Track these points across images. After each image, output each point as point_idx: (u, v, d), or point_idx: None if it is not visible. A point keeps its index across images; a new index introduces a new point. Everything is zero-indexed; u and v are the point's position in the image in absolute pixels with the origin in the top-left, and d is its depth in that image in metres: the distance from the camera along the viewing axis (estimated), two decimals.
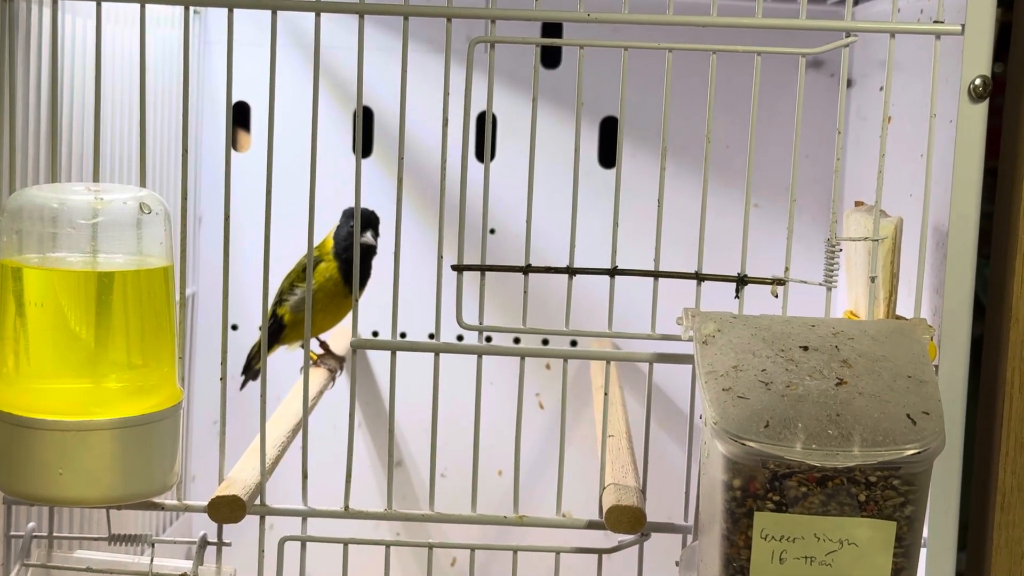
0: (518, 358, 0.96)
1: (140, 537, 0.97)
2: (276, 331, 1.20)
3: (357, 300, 0.96)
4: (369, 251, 1.18)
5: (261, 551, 0.96)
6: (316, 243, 1.21)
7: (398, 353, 0.96)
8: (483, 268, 0.94)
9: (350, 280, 1.18)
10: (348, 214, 1.19)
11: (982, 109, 0.87)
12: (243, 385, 1.26)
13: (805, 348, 0.83)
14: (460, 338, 1.27)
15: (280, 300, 1.20)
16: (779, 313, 0.91)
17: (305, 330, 0.96)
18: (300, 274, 1.20)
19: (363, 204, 0.95)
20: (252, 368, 1.26)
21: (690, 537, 0.96)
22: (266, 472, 0.96)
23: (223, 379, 0.95)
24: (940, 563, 0.90)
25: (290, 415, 1.08)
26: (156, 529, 1.31)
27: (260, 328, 1.18)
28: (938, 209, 0.93)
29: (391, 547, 0.99)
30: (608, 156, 1.39)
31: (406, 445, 1.43)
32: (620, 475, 0.96)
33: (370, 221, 1.17)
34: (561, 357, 0.97)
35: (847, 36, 0.90)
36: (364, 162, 1.37)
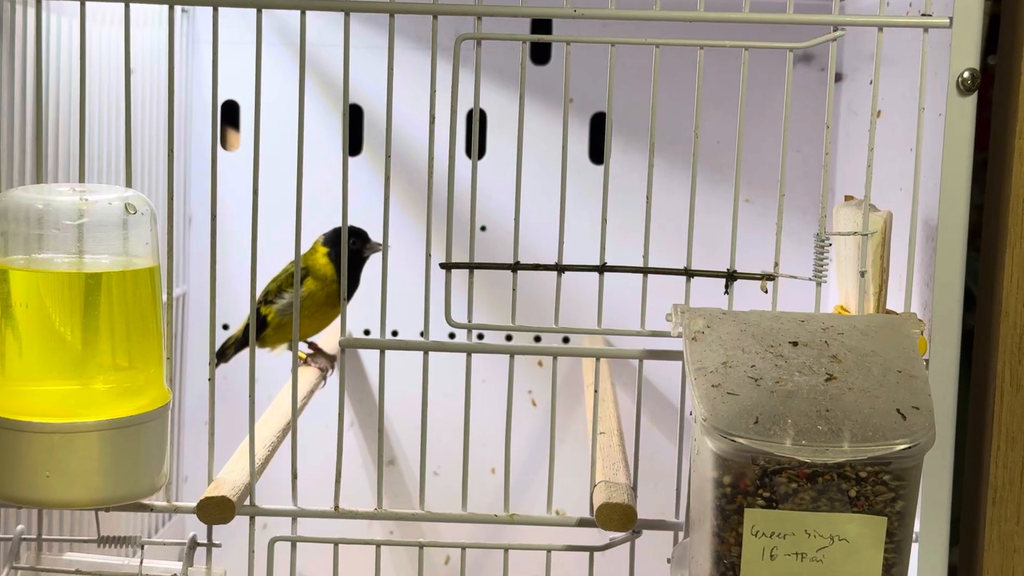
0: (510, 356, 0.96)
1: (130, 539, 0.96)
2: (258, 330, 1.19)
3: (345, 299, 0.96)
4: (361, 262, 1.19)
5: (251, 552, 0.96)
6: (302, 251, 1.21)
7: (390, 351, 0.95)
8: (471, 266, 0.94)
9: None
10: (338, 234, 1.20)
11: (971, 102, 0.87)
12: (215, 366, 1.25)
13: (795, 344, 0.83)
14: (452, 336, 1.27)
15: (266, 300, 1.20)
16: (769, 309, 0.91)
17: (294, 328, 0.96)
18: (288, 279, 1.20)
19: (352, 202, 0.94)
20: (226, 355, 1.25)
21: (682, 534, 0.95)
22: (256, 472, 0.95)
23: (211, 379, 0.95)
24: (932, 558, 0.90)
25: (280, 415, 1.07)
26: (148, 530, 1.31)
27: (248, 325, 1.19)
28: (928, 203, 0.93)
29: (383, 546, 0.99)
30: (598, 152, 1.39)
31: (399, 443, 1.43)
32: (611, 472, 0.96)
33: (361, 238, 1.19)
34: (550, 354, 0.96)
35: (835, 30, 0.89)
36: (354, 160, 1.38)
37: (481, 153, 1.38)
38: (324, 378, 1.24)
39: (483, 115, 1.37)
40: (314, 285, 1.19)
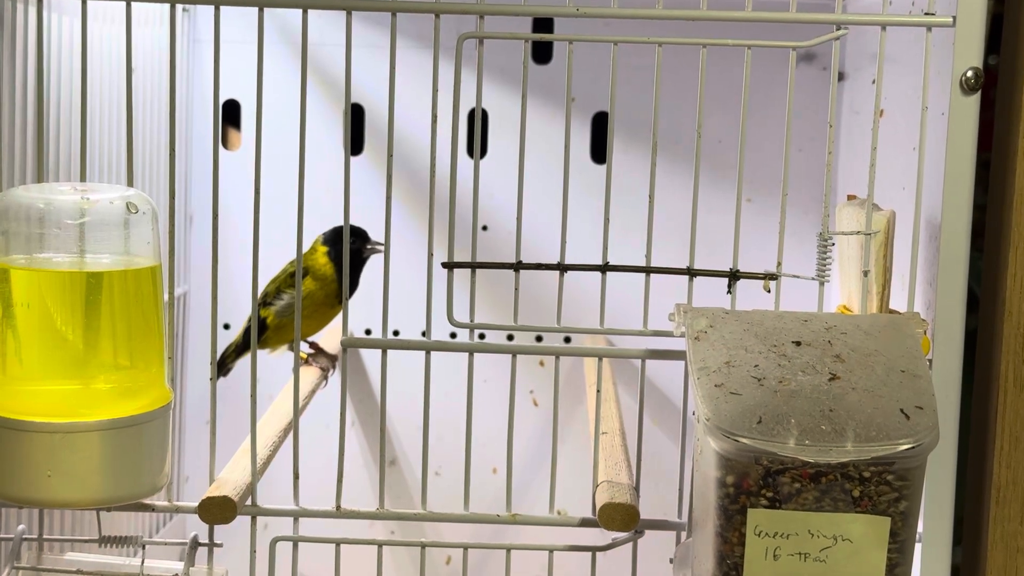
0: (512, 355, 0.96)
1: (131, 539, 0.96)
2: (259, 332, 1.19)
3: (347, 298, 0.95)
4: (361, 262, 1.19)
5: (253, 552, 0.95)
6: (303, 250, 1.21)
7: (391, 351, 0.95)
8: (473, 265, 0.94)
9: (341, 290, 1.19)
10: (340, 235, 1.20)
11: (974, 101, 0.87)
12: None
13: (798, 343, 0.82)
14: (453, 335, 1.27)
15: (265, 303, 1.20)
16: (771, 308, 0.90)
17: (295, 328, 0.96)
18: (287, 280, 1.20)
19: (353, 202, 0.94)
20: (226, 366, 1.25)
21: (684, 534, 0.95)
22: (257, 472, 0.95)
23: (213, 379, 0.95)
24: (935, 558, 0.90)
25: (282, 414, 1.07)
26: (149, 530, 1.31)
27: (248, 327, 1.18)
28: (930, 202, 0.93)
29: (384, 546, 0.99)
30: (600, 152, 1.39)
31: (400, 443, 1.43)
32: (613, 472, 0.96)
33: (362, 237, 1.19)
34: (552, 354, 0.96)
35: (837, 29, 0.89)
36: (355, 159, 1.37)
37: (482, 152, 1.37)
38: (326, 378, 1.24)
39: (484, 114, 1.37)
40: (313, 285, 1.19)
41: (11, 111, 0.98)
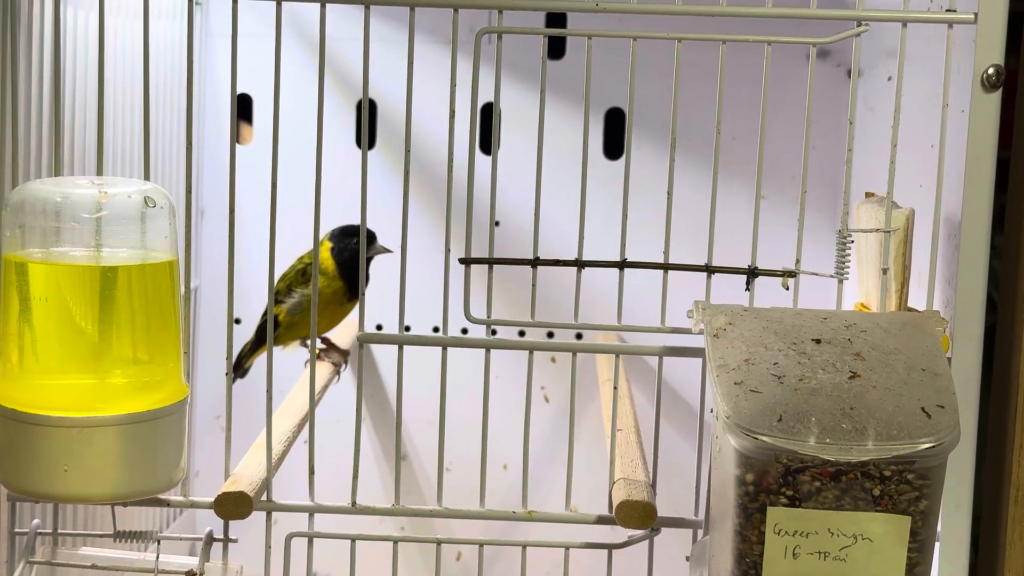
0: (522, 351, 0.96)
1: (145, 534, 0.96)
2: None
3: (363, 294, 0.95)
4: (369, 260, 1.19)
5: (268, 547, 0.95)
6: (308, 248, 1.21)
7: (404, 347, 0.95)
8: (491, 261, 0.94)
9: (351, 289, 1.18)
10: (345, 232, 1.20)
11: (995, 99, 0.86)
12: (232, 381, 1.26)
13: (817, 341, 0.82)
14: (465, 331, 1.26)
15: (276, 300, 1.20)
16: (789, 306, 0.90)
17: (311, 324, 0.95)
18: (297, 277, 1.20)
19: (366, 197, 0.94)
20: (242, 366, 1.26)
21: (701, 532, 0.95)
22: (272, 468, 0.95)
23: (228, 374, 0.95)
24: (953, 557, 0.89)
25: (294, 410, 1.07)
26: (159, 525, 1.30)
27: (262, 323, 1.18)
28: (948, 199, 0.92)
29: (398, 543, 0.98)
30: (612, 147, 1.38)
31: (409, 438, 1.43)
32: (630, 470, 0.96)
33: (369, 237, 1.19)
34: (571, 351, 0.96)
35: (858, 25, 0.89)
36: (368, 154, 1.37)
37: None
38: (338, 373, 1.24)
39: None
40: (320, 282, 1.19)
41: (28, 105, 0.98)
